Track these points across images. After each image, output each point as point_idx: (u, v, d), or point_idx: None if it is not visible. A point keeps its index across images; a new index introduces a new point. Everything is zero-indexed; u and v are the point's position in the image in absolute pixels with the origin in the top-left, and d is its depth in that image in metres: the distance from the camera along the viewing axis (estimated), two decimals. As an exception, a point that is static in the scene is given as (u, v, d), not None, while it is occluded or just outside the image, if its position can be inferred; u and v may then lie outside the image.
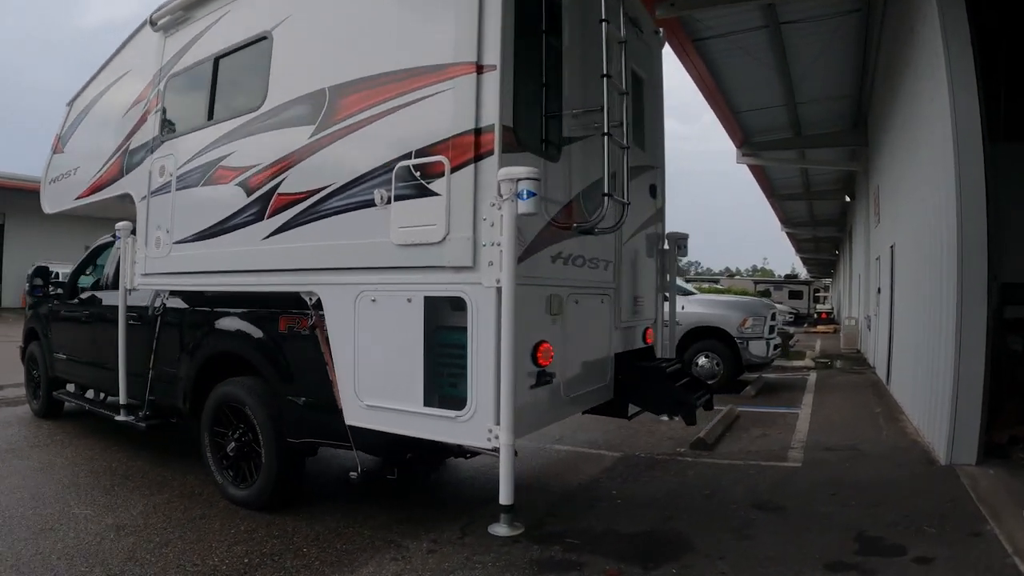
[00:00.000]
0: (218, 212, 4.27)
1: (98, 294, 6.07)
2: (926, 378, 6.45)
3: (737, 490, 4.92)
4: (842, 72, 11.48)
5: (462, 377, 3.12)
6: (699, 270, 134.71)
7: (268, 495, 4.24)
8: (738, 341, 9.77)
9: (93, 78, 5.79)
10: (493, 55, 3.06)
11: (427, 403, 3.25)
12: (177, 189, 4.62)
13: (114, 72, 5.53)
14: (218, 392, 4.52)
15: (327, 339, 3.69)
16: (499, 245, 2.94)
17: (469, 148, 3.06)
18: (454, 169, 3.11)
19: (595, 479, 5.22)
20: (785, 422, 7.65)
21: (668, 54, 10.96)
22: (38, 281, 6.47)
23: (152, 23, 4.92)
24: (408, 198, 3.26)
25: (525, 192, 2.84)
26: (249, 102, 4.18)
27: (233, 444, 4.41)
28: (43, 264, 6.76)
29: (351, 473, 3.84)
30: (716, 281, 43.58)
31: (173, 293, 4.93)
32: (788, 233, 31.68)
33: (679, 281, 12.38)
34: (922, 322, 6.79)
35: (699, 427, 6.55)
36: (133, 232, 5.07)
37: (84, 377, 6.21)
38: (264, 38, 4.15)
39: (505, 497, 2.97)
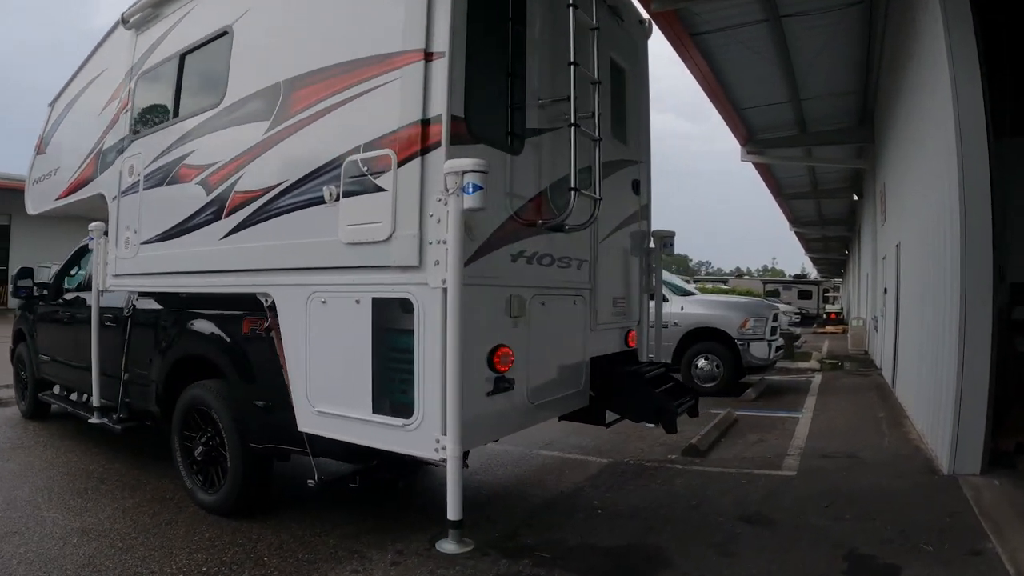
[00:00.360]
0: (181, 211, 4.06)
1: (82, 295, 5.91)
2: (930, 381, 6.08)
3: (725, 501, 4.61)
4: (847, 67, 11.05)
5: (411, 383, 2.87)
6: (710, 270, 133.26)
7: (234, 501, 4.04)
8: (738, 343, 9.38)
9: (72, 78, 5.63)
10: (442, 42, 2.80)
11: (376, 410, 3.00)
12: (144, 189, 4.43)
13: (91, 72, 5.36)
14: (187, 395, 4.33)
15: (281, 342, 3.46)
16: (445, 243, 2.68)
17: (416, 140, 2.81)
18: (401, 163, 2.86)
19: (578, 487, 4.93)
20: (784, 427, 7.29)
21: (667, 49, 10.70)
22: (25, 282, 6.32)
23: (124, 21, 4.74)
24: (356, 194, 3.01)
25: (471, 186, 2.58)
26: (210, 99, 3.96)
27: (201, 448, 4.21)
28: (28, 265, 6.61)
29: (309, 481, 3.60)
30: (724, 281, 42.92)
31: (142, 294, 4.73)
32: (797, 233, 31.03)
33: (678, 281, 12.04)
34: (927, 322, 6.42)
35: (693, 432, 6.26)
36: (106, 233, 4.89)
37: (67, 379, 6.06)
38: (225, 33, 3.93)
39: (453, 512, 2.71)
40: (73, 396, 6.03)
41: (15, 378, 7.17)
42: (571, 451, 5.98)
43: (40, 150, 6.08)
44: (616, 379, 4.18)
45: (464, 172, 2.59)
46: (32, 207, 6.15)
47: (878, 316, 12.95)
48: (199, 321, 4.22)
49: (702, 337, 9.50)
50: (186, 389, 4.34)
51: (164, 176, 4.23)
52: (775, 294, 35.74)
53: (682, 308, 9.66)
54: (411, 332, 2.84)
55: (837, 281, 46.62)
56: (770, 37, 9.85)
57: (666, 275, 11.86)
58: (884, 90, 10.73)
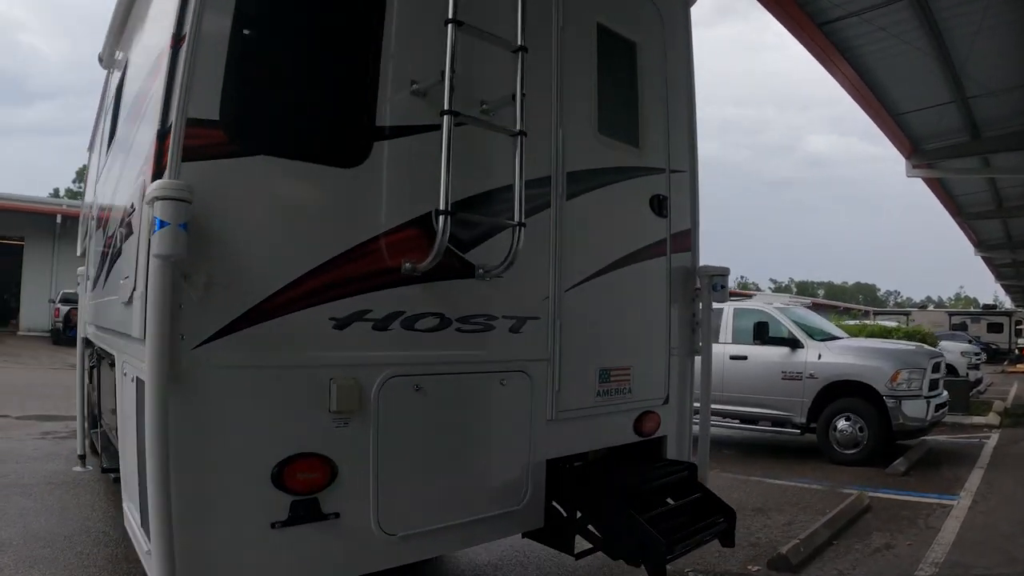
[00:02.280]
0: (96, 258, 3.62)
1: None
2: None
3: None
4: (1014, 52, 8.46)
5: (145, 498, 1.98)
6: (898, 299, 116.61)
7: None
8: (887, 400, 7.17)
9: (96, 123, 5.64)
10: (190, 17, 1.91)
11: (142, 522, 2.14)
12: (93, 233, 4.08)
13: (101, 115, 5.29)
14: None
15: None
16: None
17: (152, 160, 1.95)
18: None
19: (594, 611, 3.55)
20: (927, 522, 5.15)
21: (793, 43, 8.81)
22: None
23: (100, 60, 4.50)
24: (126, 238, 2.22)
25: (157, 222, 1.64)
26: (117, 134, 3.48)
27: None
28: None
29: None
30: (907, 314, 36.75)
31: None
32: (984, 258, 25.68)
33: (819, 321, 9.49)
34: None
35: (805, 524, 4.65)
36: (88, 278, 4.67)
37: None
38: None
39: None
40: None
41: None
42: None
43: (85, 194, 6.24)
44: (588, 493, 2.87)
45: (155, 201, 1.67)
46: (78, 248, 6.32)
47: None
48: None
49: (844, 392, 7.45)
50: None
51: (96, 220, 3.84)
52: (962, 327, 29.80)
53: (820, 356, 7.66)
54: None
55: (1034, 311, 38.11)
56: (916, 19, 7.92)
57: (805, 313, 9.47)
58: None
